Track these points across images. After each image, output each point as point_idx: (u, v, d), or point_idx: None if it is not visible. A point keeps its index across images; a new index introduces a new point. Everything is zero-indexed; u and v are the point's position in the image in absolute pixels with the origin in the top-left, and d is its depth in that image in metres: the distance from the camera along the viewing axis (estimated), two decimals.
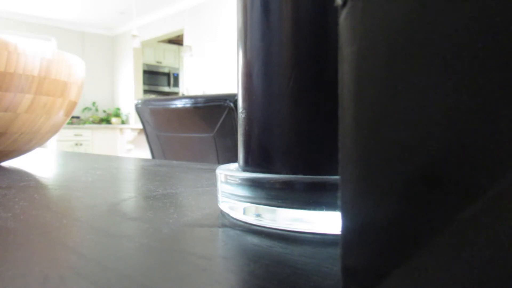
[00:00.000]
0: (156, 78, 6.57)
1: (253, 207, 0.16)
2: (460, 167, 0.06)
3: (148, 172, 0.37)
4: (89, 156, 0.56)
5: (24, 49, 0.35)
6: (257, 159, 0.17)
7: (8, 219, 0.18)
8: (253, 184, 0.16)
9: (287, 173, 0.16)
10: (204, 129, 1.25)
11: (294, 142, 0.16)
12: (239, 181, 0.17)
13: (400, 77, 0.07)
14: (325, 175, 0.15)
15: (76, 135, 5.47)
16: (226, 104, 1.14)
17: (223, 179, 0.18)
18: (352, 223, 0.08)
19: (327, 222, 0.15)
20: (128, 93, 5.97)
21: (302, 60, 0.16)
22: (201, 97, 1.22)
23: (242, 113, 0.18)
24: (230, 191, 0.18)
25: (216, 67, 4.37)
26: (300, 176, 0.16)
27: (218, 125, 1.20)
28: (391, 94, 0.07)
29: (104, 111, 6.17)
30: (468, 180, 0.06)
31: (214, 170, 0.37)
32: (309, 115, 0.16)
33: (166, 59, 6.69)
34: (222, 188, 0.18)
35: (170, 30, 5.27)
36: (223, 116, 1.17)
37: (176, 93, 6.66)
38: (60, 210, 0.20)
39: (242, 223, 0.17)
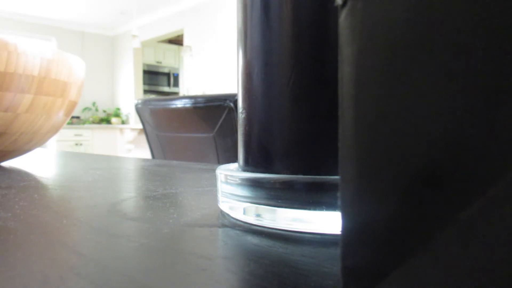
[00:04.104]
0: (156, 78, 6.57)
1: (253, 207, 0.16)
2: (460, 167, 0.06)
3: (148, 172, 0.37)
4: (89, 156, 0.56)
5: (24, 49, 0.35)
6: (257, 159, 0.17)
7: (8, 219, 0.18)
8: (253, 184, 0.16)
9: (287, 173, 0.16)
10: (204, 129, 1.25)
11: (294, 142, 0.16)
12: (239, 181, 0.17)
13: (400, 77, 0.07)
14: (325, 175, 0.15)
15: (76, 135, 5.47)
16: (226, 104, 1.14)
17: (223, 179, 0.18)
18: (352, 223, 0.08)
19: (327, 222, 0.15)
20: (128, 93, 5.96)
21: (302, 60, 0.16)
22: (201, 97, 1.22)
23: (242, 113, 0.18)
24: (230, 191, 0.18)
25: (216, 67, 4.37)
26: (300, 176, 0.16)
27: (218, 125, 1.20)
28: (391, 94, 0.07)
29: (104, 111, 6.17)
30: (468, 180, 0.06)
31: (214, 170, 0.37)
32: (309, 115, 0.16)
33: (166, 59, 6.69)
34: (222, 188, 0.18)
35: (170, 30, 5.26)
36: (223, 116, 1.17)
37: (176, 93, 6.65)
38: (60, 210, 0.20)
39: (242, 223, 0.17)
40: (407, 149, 0.07)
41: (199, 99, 1.21)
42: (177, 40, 6.28)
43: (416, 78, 0.07)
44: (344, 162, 0.08)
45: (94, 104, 6.05)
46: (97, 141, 5.62)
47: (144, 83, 6.21)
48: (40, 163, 0.46)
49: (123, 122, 6.00)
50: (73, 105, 0.43)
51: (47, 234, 0.15)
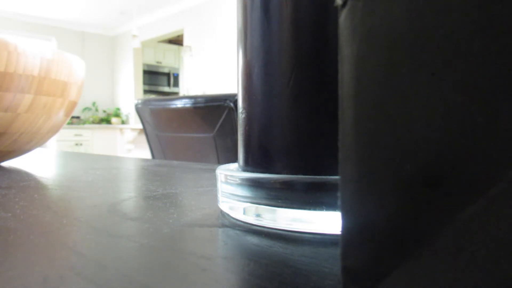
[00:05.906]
0: (156, 78, 6.57)
1: (253, 207, 0.16)
2: (460, 167, 0.06)
3: (148, 172, 0.37)
4: (89, 156, 0.56)
5: (24, 49, 0.35)
6: (257, 159, 0.17)
7: (8, 219, 0.18)
8: (253, 184, 0.16)
9: (287, 173, 0.16)
10: (204, 129, 1.25)
11: (294, 142, 0.16)
12: (239, 181, 0.17)
13: (400, 77, 0.07)
14: (325, 175, 0.15)
15: (76, 135, 5.47)
16: (226, 104, 1.14)
17: (223, 179, 0.18)
18: (352, 223, 0.08)
19: (327, 222, 0.15)
20: (128, 93, 5.96)
21: (302, 60, 0.16)
22: (201, 97, 1.22)
23: (242, 113, 0.18)
24: (230, 191, 0.18)
25: (216, 67, 4.37)
26: (300, 176, 0.16)
27: (218, 125, 1.20)
28: (391, 94, 0.07)
29: (104, 111, 6.17)
30: (468, 180, 0.06)
31: (214, 170, 0.37)
32: (309, 115, 0.16)
33: (166, 59, 6.69)
34: (222, 188, 0.18)
35: (170, 30, 5.26)
36: (223, 116, 1.17)
37: (176, 93, 6.65)
38: (60, 210, 0.20)
39: (242, 223, 0.17)
40: (407, 149, 0.07)
41: (199, 99, 1.21)
42: (177, 40, 6.28)
43: (416, 78, 0.07)
44: (344, 162, 0.08)
45: (94, 104, 6.05)
46: (97, 141, 5.62)
47: (144, 83, 6.21)
48: (40, 163, 0.46)
49: (123, 122, 6.00)
50: (73, 105, 0.43)
51: (47, 234, 0.15)
